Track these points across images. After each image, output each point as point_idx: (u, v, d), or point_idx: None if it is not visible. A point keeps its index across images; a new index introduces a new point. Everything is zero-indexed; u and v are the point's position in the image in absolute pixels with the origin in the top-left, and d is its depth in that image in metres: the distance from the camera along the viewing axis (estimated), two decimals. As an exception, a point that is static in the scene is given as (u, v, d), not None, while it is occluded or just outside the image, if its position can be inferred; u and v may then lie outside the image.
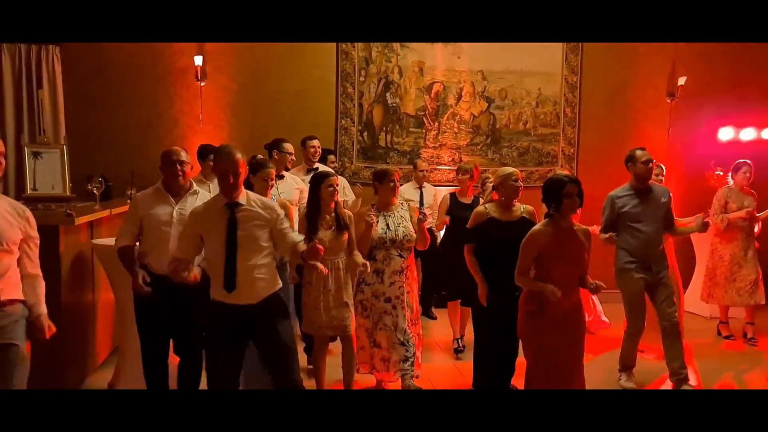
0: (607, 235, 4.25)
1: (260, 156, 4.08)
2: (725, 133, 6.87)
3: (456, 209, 4.99)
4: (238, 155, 2.99)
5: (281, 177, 4.63)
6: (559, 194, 3.21)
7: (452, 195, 5.15)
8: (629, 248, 4.31)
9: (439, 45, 6.64)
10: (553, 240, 3.24)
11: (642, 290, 4.32)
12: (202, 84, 6.31)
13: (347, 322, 3.87)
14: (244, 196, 3.04)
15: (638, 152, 4.33)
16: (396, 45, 6.59)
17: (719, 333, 5.69)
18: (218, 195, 3.06)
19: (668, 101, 6.99)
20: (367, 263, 3.86)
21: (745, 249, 5.43)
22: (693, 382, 4.37)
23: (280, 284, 3.18)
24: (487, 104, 6.83)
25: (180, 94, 6.37)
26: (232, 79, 6.44)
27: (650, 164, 4.31)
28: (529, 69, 6.81)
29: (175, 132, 6.35)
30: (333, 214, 3.84)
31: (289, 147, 4.87)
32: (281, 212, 3.11)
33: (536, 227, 3.35)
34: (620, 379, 4.43)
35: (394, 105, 6.70)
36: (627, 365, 4.43)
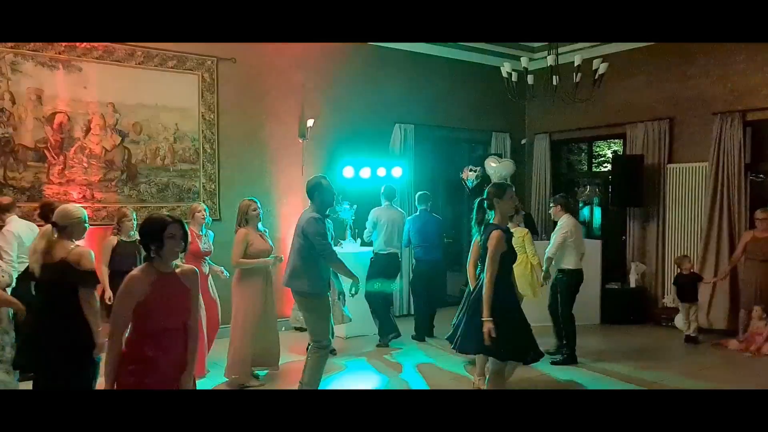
0: None
1: None
2: (348, 171, 7.73)
3: None
4: None
5: None
6: (160, 235, 2.95)
7: None
8: None
9: (60, 73, 6.12)
10: (152, 287, 2.94)
11: None
12: None
13: None
14: None
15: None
16: (6, 68, 5.85)
17: None
18: None
19: (300, 141, 7.62)
20: None
21: None
22: None
23: None
24: (120, 138, 6.50)
25: None
26: None
27: None
28: (165, 104, 6.71)
29: None
30: None
31: None
32: None
33: (133, 272, 2.98)
34: None
35: (6, 135, 5.91)
36: None
